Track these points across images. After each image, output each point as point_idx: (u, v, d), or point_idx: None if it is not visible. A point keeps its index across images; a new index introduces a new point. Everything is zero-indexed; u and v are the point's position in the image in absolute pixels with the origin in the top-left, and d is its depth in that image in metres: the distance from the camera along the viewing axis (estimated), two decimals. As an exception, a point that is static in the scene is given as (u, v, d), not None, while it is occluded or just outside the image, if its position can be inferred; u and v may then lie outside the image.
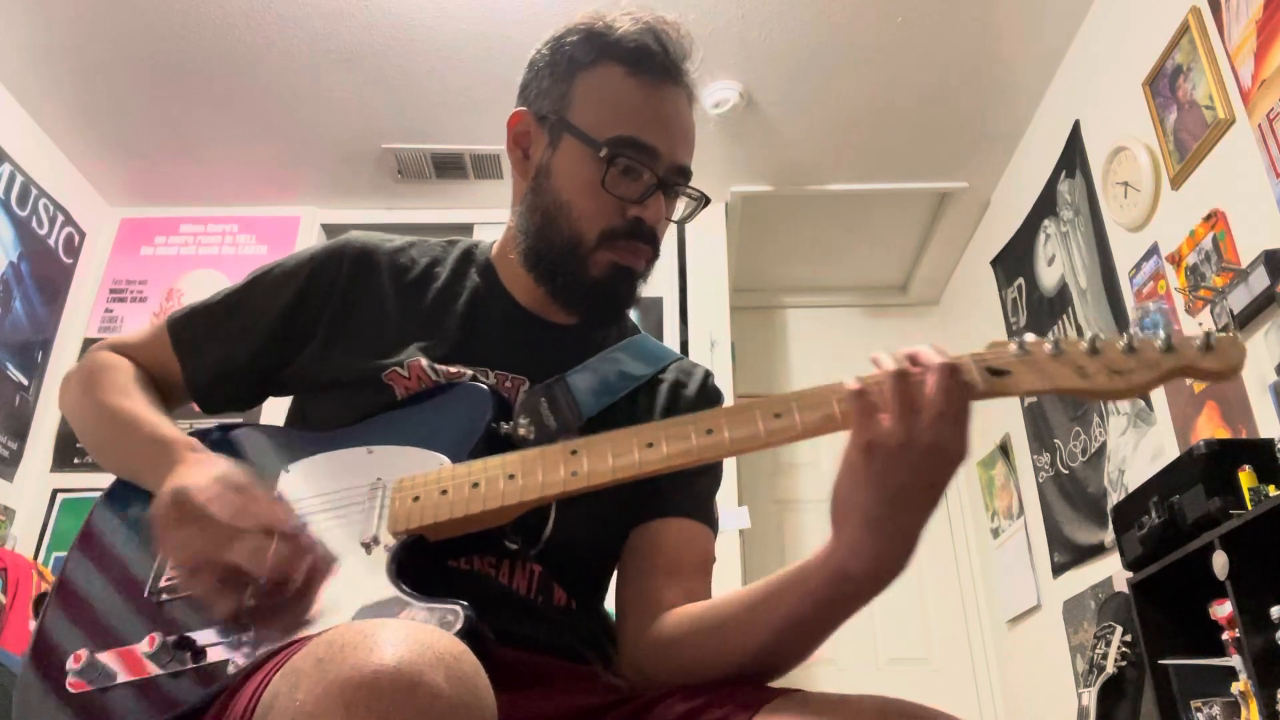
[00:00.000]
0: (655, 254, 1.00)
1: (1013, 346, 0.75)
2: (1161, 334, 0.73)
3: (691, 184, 1.01)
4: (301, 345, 1.00)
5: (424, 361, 0.95)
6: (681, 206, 1.03)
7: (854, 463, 0.71)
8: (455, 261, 1.07)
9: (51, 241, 3.30)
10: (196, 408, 1.05)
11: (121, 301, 3.49)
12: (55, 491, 3.16)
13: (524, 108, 1.03)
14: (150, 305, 3.48)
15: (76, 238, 3.44)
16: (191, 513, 0.79)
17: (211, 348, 1.03)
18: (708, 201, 1.03)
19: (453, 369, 0.95)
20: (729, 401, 0.93)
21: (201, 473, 0.82)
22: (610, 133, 0.95)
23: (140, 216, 3.62)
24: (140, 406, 0.96)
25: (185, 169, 3.45)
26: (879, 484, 0.70)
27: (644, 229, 0.97)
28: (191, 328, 1.04)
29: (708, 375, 1.10)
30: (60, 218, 3.33)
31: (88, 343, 3.33)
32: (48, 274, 3.27)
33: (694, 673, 0.82)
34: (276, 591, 0.78)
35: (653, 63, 0.97)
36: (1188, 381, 2.32)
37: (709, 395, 1.08)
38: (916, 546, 0.72)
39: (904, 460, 0.69)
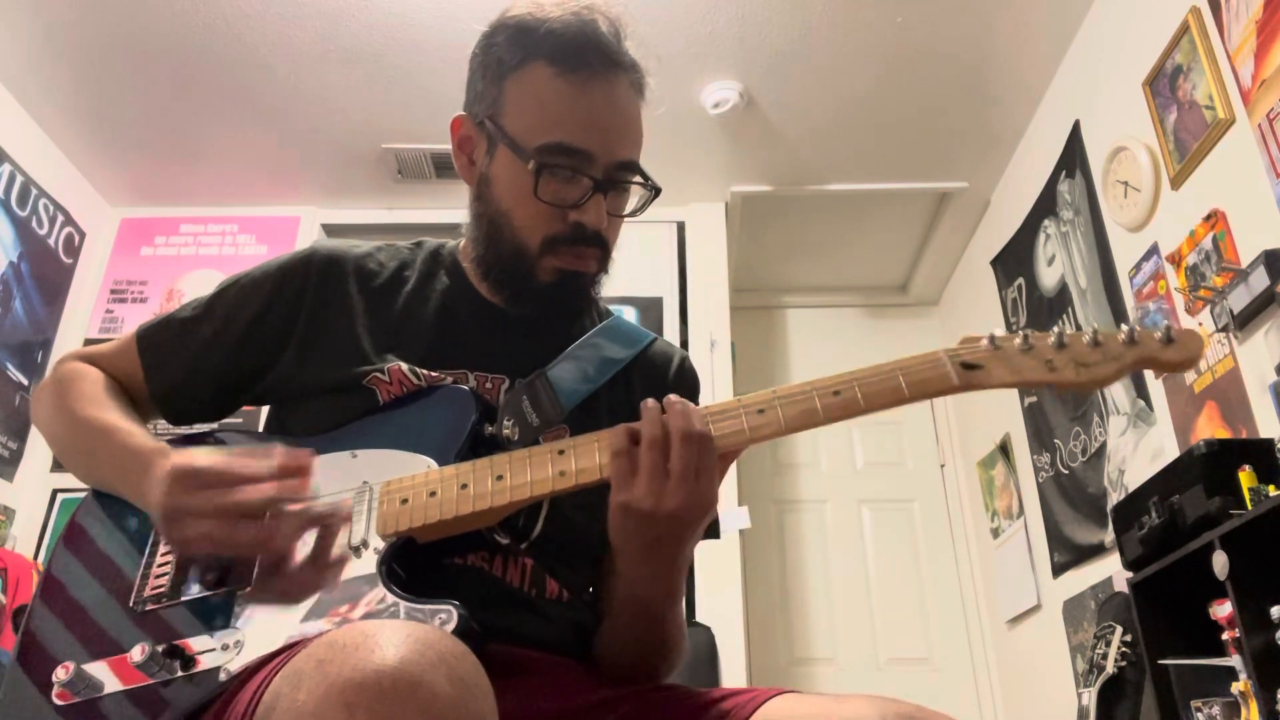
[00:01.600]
0: (605, 254, 0.99)
1: (985, 342, 0.79)
2: (1124, 328, 0.77)
3: (640, 175, 0.98)
4: (272, 356, 0.99)
5: (404, 366, 0.94)
6: (635, 199, 1.01)
7: (614, 516, 0.80)
8: (423, 264, 1.06)
9: (51, 241, 3.30)
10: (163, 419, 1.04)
11: (122, 302, 3.49)
12: (55, 491, 3.16)
13: (464, 112, 1.02)
14: (151, 306, 3.47)
15: (76, 238, 3.44)
16: (205, 479, 0.77)
17: (177, 359, 1.01)
18: (658, 191, 1.00)
19: (434, 373, 0.95)
20: (713, 393, 0.95)
21: (191, 452, 0.81)
22: (540, 140, 0.93)
23: (140, 216, 3.62)
24: (113, 415, 0.94)
25: (185, 169, 3.45)
26: (635, 535, 0.80)
27: (587, 233, 0.95)
28: (158, 338, 1.02)
29: (684, 359, 1.12)
30: (60, 218, 3.33)
31: (88, 343, 3.32)
32: (48, 274, 3.27)
33: (619, 666, 0.92)
34: (325, 535, 0.79)
35: (581, 56, 0.93)
36: (1188, 381, 2.32)
37: (687, 379, 1.09)
38: (685, 567, 0.85)
39: (651, 521, 0.77)
